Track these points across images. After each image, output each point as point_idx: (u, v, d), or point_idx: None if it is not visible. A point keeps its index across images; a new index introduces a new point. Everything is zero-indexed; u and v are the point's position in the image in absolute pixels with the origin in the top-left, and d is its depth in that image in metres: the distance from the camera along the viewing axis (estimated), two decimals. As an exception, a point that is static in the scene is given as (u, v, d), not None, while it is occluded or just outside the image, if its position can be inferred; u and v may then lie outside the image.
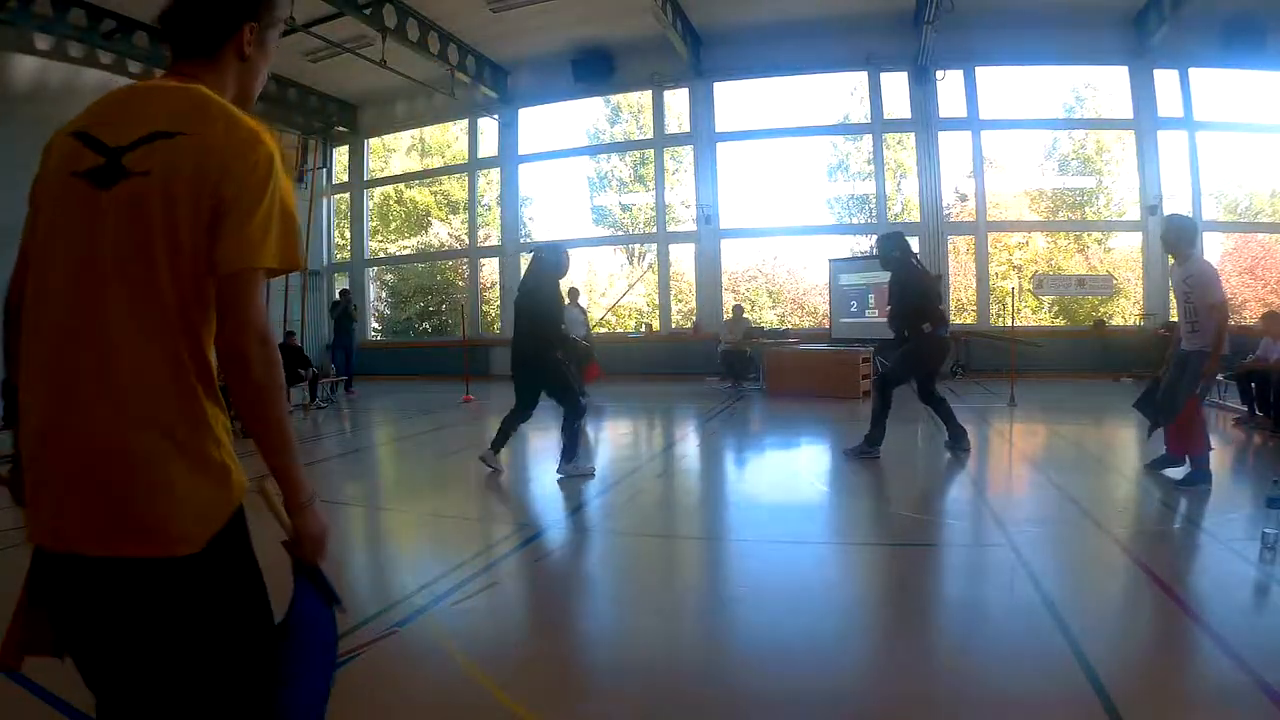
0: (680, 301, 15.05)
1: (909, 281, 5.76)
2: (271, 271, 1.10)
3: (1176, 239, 4.78)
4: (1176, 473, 4.79)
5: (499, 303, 15.42)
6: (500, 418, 5.51)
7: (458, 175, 16.25)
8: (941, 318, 5.83)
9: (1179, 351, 4.87)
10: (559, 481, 5.19)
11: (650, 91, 13.86)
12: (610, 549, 3.96)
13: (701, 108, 13.57)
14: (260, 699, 1.11)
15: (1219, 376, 7.91)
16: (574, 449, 5.26)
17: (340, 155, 16.29)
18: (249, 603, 1.14)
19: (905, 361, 5.80)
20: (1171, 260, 5.03)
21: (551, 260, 5.28)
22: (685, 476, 5.87)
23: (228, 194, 1.05)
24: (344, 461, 6.87)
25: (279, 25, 1.30)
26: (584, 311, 10.98)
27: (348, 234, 16.46)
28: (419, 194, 17.28)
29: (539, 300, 5.14)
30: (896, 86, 12.86)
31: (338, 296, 13.71)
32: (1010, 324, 10.86)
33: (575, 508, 4.63)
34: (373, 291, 17.04)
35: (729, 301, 13.29)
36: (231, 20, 1.20)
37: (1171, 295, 12.16)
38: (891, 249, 5.89)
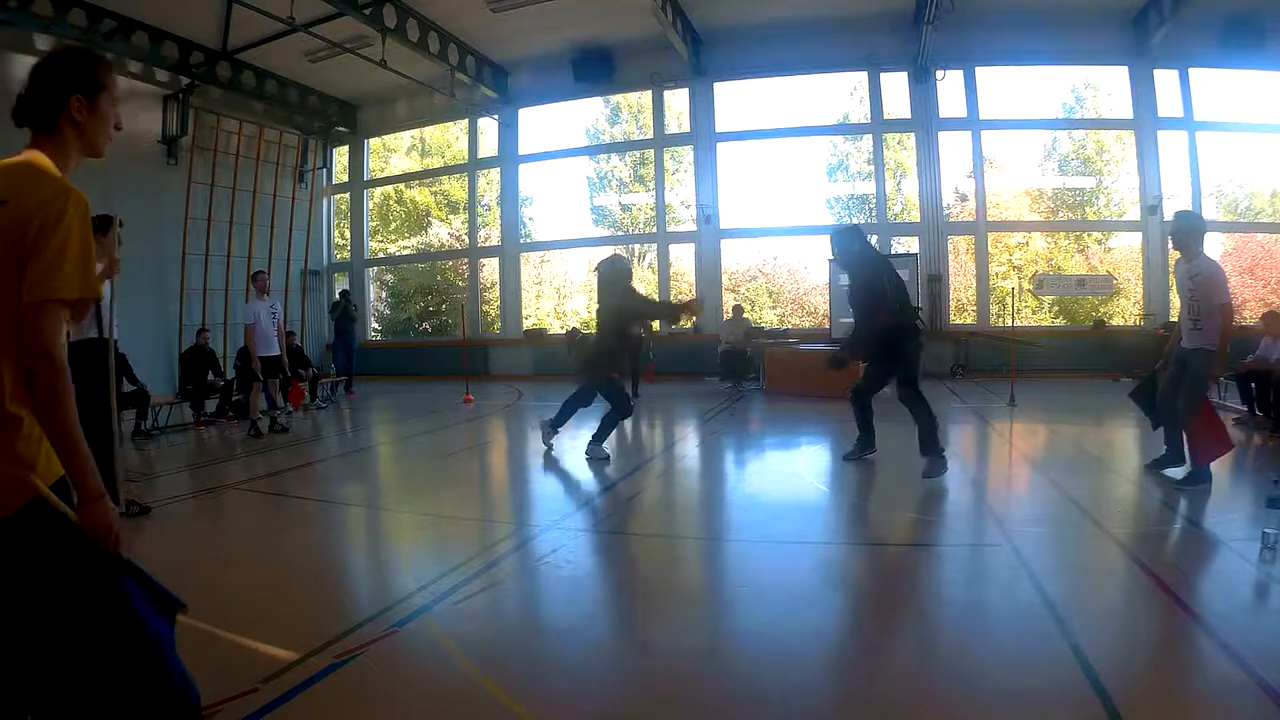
0: (680, 302, 15.05)
1: (885, 273, 5.32)
2: (74, 302, 1.37)
3: (1186, 235, 4.76)
4: (1177, 472, 4.79)
5: (499, 303, 15.42)
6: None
7: (458, 175, 16.24)
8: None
9: (1179, 350, 4.86)
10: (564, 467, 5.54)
11: (650, 91, 13.84)
12: (610, 549, 3.96)
13: (701, 108, 13.56)
14: (110, 631, 1.36)
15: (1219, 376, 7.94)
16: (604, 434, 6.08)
17: (340, 155, 16.29)
18: (65, 558, 1.37)
19: (912, 363, 5.28)
20: (1174, 257, 5.02)
21: (607, 273, 6.14)
22: (685, 476, 5.87)
23: (28, 243, 1.33)
24: (344, 462, 6.87)
25: (110, 89, 1.55)
26: None
27: (348, 234, 16.45)
28: (419, 194, 17.29)
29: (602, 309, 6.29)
30: (896, 86, 12.85)
31: (338, 297, 13.70)
32: (1010, 324, 10.86)
33: (575, 508, 4.63)
34: (373, 291, 17.03)
35: (729, 301, 13.29)
36: (58, 97, 1.48)
37: (1172, 295, 12.21)
38: (851, 244, 5.49)
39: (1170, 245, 5.16)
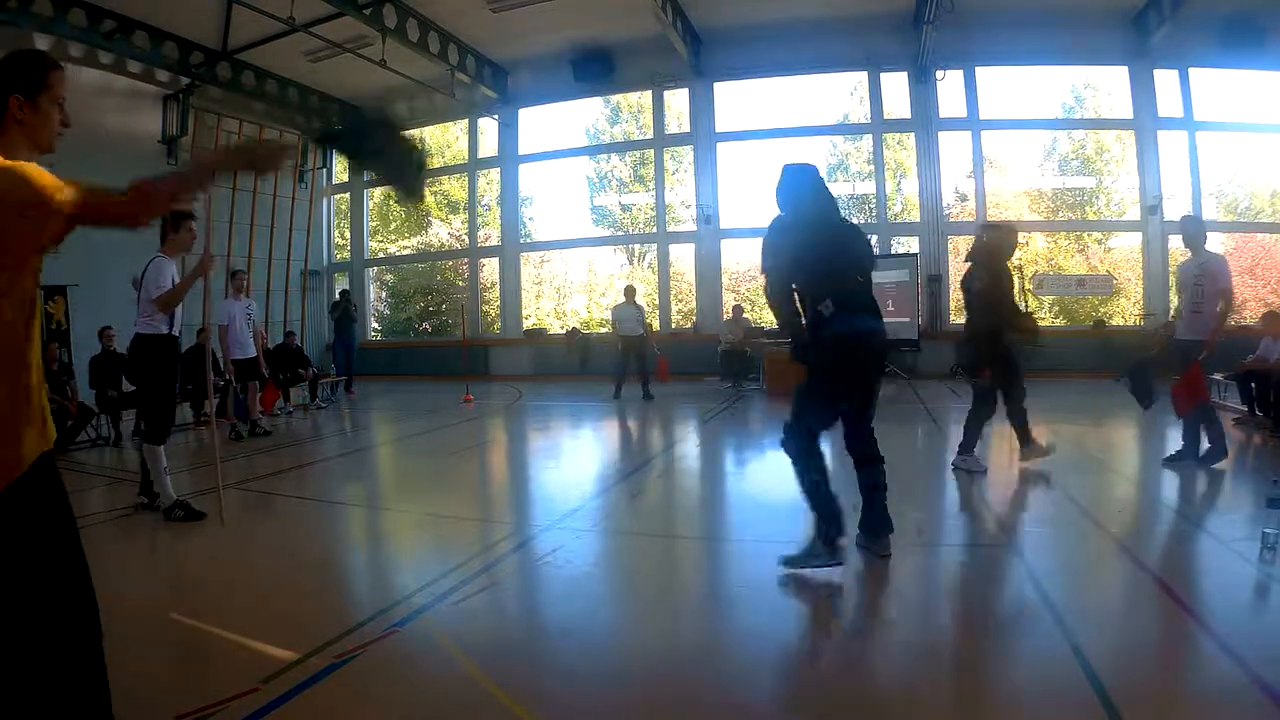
0: (680, 301, 15.05)
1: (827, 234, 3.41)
2: (68, 208, 1.47)
3: (1195, 234, 5.22)
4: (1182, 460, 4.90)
5: (499, 303, 15.42)
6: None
7: (458, 175, 16.25)
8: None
9: (1178, 342, 5.11)
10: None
11: (650, 91, 13.84)
12: (610, 549, 3.96)
13: (701, 108, 13.56)
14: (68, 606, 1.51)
15: (1218, 376, 7.99)
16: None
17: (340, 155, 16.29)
18: (51, 532, 1.52)
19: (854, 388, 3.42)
20: (1175, 257, 5.39)
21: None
22: (685, 476, 5.87)
23: (9, 222, 1.43)
24: (344, 462, 6.87)
25: (51, 89, 1.64)
26: (640, 310, 10.77)
27: (348, 234, 16.46)
28: (419, 194, 17.26)
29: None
30: (896, 86, 12.85)
31: (338, 296, 13.68)
32: (1010, 324, 10.82)
33: (575, 508, 4.63)
34: (373, 291, 17.03)
35: (729, 301, 13.29)
36: None
37: (1171, 295, 12.21)
38: (796, 191, 3.50)
39: (1183, 244, 5.54)
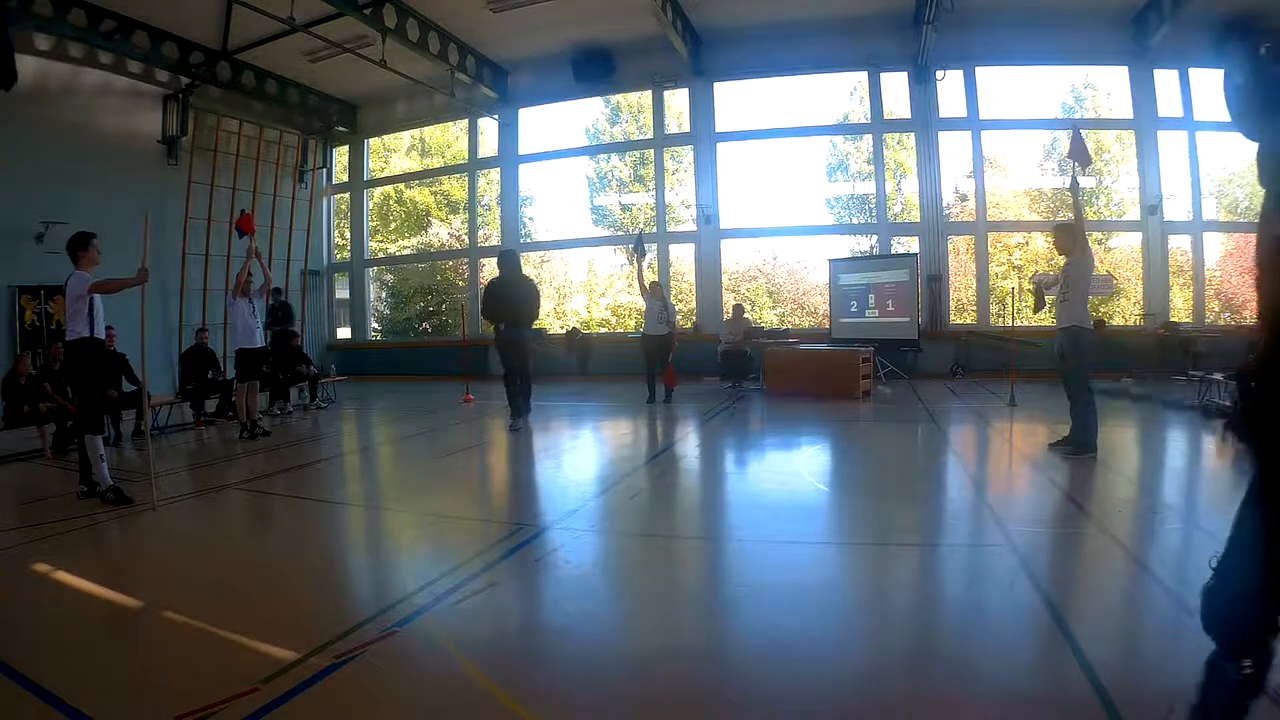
0: (680, 301, 15.04)
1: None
2: None
3: (1067, 241, 6.06)
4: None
5: (499, 303, 15.40)
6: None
7: (458, 175, 16.25)
8: None
9: (1061, 330, 6.03)
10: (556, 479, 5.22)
11: (650, 91, 13.86)
12: (610, 549, 3.96)
13: (701, 108, 13.57)
14: None
15: (1219, 376, 8.00)
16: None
17: (340, 155, 16.29)
18: None
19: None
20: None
21: None
22: (685, 476, 5.87)
23: None
24: (344, 461, 6.87)
25: None
26: (664, 305, 9.92)
27: (348, 234, 16.47)
28: (419, 194, 17.29)
29: None
30: (896, 86, 12.86)
31: (271, 302, 10.32)
32: (1010, 324, 10.85)
33: (575, 508, 4.63)
34: (373, 291, 17.03)
35: (729, 301, 13.29)
36: None
37: (1172, 295, 12.23)
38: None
39: (1056, 250, 6.27)
